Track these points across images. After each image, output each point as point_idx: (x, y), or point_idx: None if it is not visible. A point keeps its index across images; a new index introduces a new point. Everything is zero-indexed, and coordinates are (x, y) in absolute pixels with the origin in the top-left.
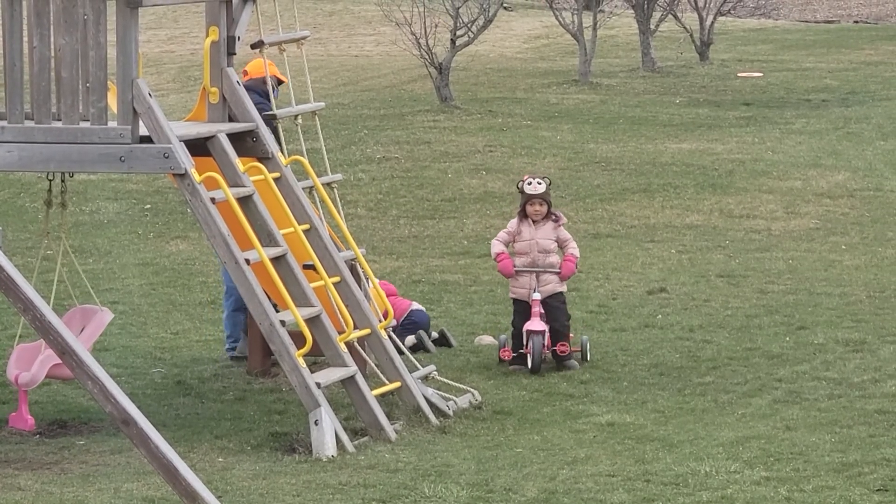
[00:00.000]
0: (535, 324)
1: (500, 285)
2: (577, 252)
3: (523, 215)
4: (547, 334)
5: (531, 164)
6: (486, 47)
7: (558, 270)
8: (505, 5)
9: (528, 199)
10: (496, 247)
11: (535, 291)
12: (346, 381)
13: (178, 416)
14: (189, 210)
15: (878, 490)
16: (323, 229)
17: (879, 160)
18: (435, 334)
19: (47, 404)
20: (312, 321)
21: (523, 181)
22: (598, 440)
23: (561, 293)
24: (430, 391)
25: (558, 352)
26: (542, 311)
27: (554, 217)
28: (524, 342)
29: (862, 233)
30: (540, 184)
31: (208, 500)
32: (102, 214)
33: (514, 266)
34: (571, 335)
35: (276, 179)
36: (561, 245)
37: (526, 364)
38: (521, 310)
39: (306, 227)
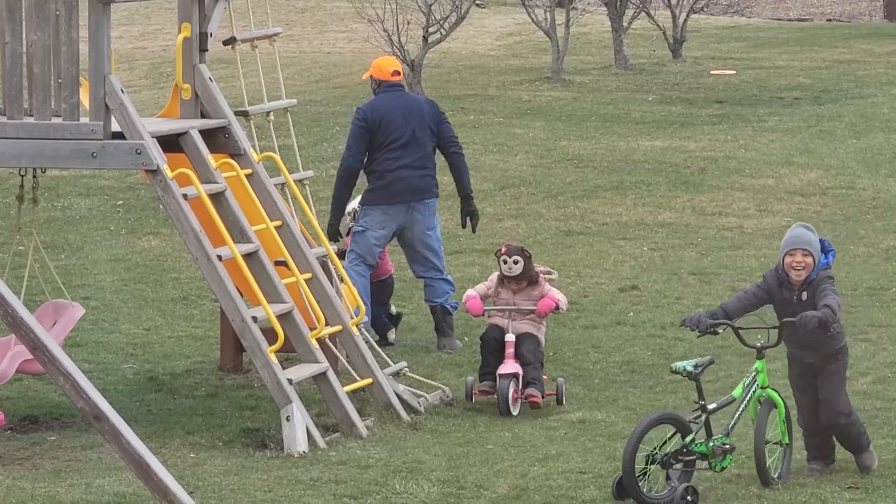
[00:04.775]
0: (508, 366)
1: (471, 282)
2: (559, 296)
3: (503, 280)
4: (521, 377)
5: (503, 161)
6: (458, 44)
7: (533, 307)
8: (477, 2)
9: (505, 276)
10: (468, 293)
11: (508, 333)
12: (317, 378)
13: (150, 411)
14: (161, 206)
15: (848, 488)
16: (295, 226)
17: (852, 158)
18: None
19: (19, 400)
20: (284, 317)
21: (500, 253)
22: (569, 437)
23: (535, 336)
24: (401, 388)
25: (529, 403)
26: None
27: (536, 281)
28: (496, 385)
29: (834, 231)
30: (517, 263)
31: (180, 496)
32: (74, 210)
33: (484, 308)
34: (545, 377)
35: (248, 176)
36: (542, 295)
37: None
38: (494, 347)
39: (278, 223)
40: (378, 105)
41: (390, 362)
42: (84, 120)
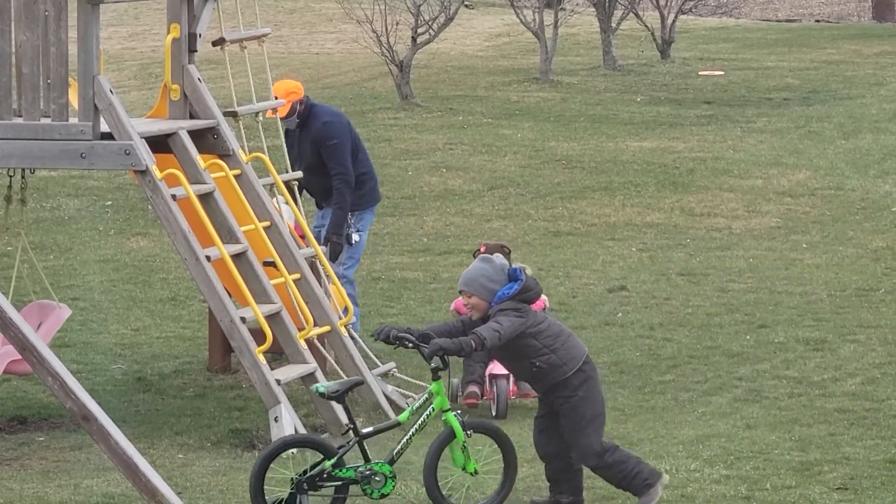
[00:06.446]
0: (499, 366)
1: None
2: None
3: None
4: (512, 377)
5: (491, 162)
6: (446, 45)
7: None
8: (466, 3)
9: None
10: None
11: None
12: (305, 378)
13: (139, 412)
14: (150, 207)
15: (837, 489)
16: (283, 226)
17: (840, 159)
18: None
19: (7, 400)
20: (273, 318)
21: (480, 252)
22: None
23: None
24: (389, 388)
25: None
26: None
27: None
28: (487, 387)
29: (823, 231)
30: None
31: (168, 497)
32: (63, 211)
33: None
34: None
35: (236, 176)
36: None
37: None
38: (479, 358)
39: (267, 223)
40: (340, 114)
41: (379, 363)
42: (73, 120)
